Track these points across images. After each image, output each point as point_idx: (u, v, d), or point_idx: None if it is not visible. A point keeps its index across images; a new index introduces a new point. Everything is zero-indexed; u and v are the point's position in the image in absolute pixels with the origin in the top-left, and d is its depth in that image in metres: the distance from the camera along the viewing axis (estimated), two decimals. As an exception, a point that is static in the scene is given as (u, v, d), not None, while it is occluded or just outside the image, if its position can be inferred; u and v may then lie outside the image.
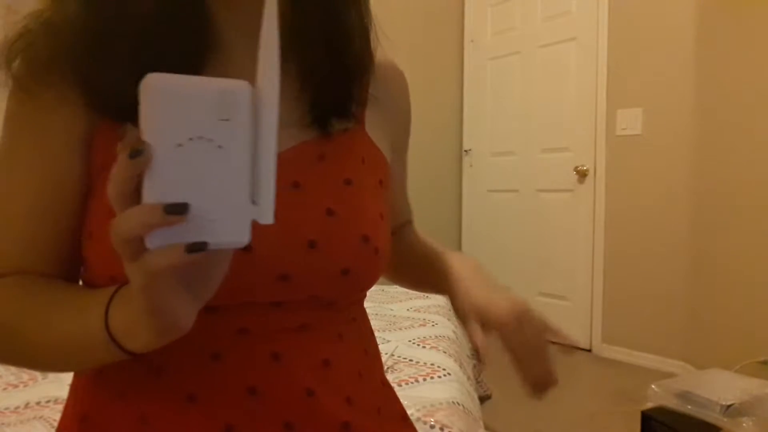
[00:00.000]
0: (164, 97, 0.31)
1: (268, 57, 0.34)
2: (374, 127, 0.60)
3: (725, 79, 2.80)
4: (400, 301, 2.07)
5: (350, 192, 0.53)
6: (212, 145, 0.31)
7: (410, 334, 1.63)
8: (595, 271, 3.42)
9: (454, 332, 1.71)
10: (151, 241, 0.31)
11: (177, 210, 0.31)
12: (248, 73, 0.52)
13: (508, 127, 3.87)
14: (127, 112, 0.46)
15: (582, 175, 3.46)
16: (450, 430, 1.04)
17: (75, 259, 0.51)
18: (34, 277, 0.49)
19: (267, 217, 0.33)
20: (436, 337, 1.60)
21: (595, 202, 3.41)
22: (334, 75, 0.54)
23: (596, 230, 3.41)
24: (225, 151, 0.31)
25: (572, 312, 3.53)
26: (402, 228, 0.74)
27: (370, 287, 0.57)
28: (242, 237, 0.33)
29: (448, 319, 1.81)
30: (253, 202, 0.33)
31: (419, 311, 1.90)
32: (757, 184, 2.66)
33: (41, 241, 0.50)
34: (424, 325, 1.72)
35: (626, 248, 3.27)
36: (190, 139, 0.31)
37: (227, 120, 0.31)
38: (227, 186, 0.32)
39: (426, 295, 2.15)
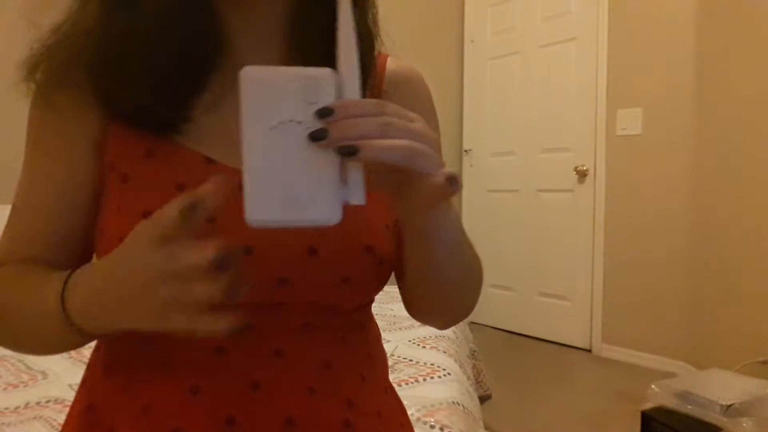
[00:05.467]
0: (257, 85, 0.34)
1: (345, 43, 0.36)
2: None
3: (725, 79, 2.80)
4: (400, 301, 2.06)
5: None
6: (302, 127, 0.34)
7: (410, 334, 1.63)
8: (595, 271, 3.42)
9: (454, 332, 1.71)
10: (253, 216, 0.34)
11: (326, 113, 0.34)
12: None
13: (508, 127, 3.86)
14: (140, 116, 0.49)
15: (582, 175, 3.46)
16: (450, 430, 1.04)
17: (86, 253, 0.54)
18: (31, 263, 0.52)
19: (358, 197, 0.35)
20: (436, 337, 1.60)
21: (595, 202, 3.41)
22: None
23: (596, 230, 3.41)
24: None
25: (572, 312, 3.53)
26: None
27: (375, 295, 0.57)
28: (333, 215, 0.34)
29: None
30: (343, 183, 0.35)
31: (419, 311, 1.90)
32: (756, 184, 2.67)
33: (50, 235, 0.53)
34: (424, 325, 1.72)
35: (626, 248, 3.27)
36: (282, 122, 0.34)
37: (315, 104, 0.34)
38: (317, 166, 0.34)
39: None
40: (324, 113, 0.34)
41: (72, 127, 0.51)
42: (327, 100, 0.34)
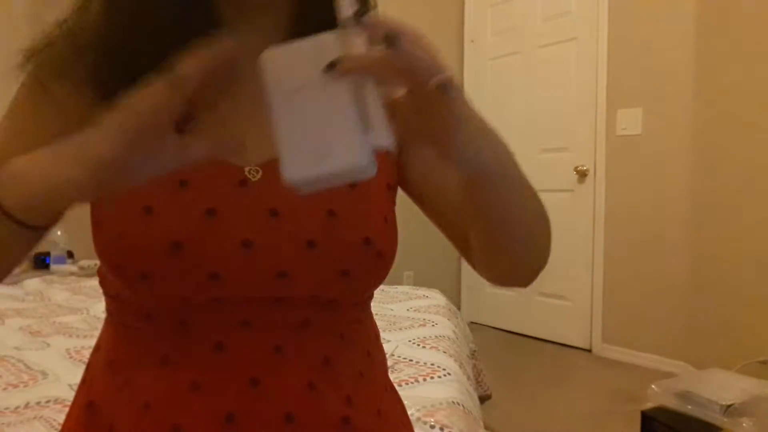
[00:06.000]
0: (274, 61, 0.37)
1: (346, 4, 0.38)
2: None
3: (725, 79, 2.80)
4: (400, 301, 2.07)
5: (353, 194, 0.53)
6: (318, 89, 0.36)
7: (410, 334, 1.63)
8: (595, 271, 3.42)
9: (454, 332, 1.71)
10: (291, 177, 0.35)
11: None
12: (253, 72, 0.54)
13: (508, 127, 3.86)
14: None
15: (582, 175, 3.46)
16: (450, 430, 1.04)
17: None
18: None
19: (385, 139, 0.36)
20: (436, 337, 1.60)
21: (595, 202, 3.41)
22: None
23: (596, 230, 3.41)
24: (330, 92, 0.36)
25: (572, 312, 3.53)
26: None
27: (374, 289, 0.57)
28: (363, 158, 0.35)
29: (448, 319, 1.81)
30: (369, 131, 0.36)
31: (419, 311, 1.90)
32: (756, 184, 2.67)
33: None
34: (424, 325, 1.72)
35: (626, 248, 3.27)
36: (300, 87, 0.36)
37: (324, 65, 0.36)
38: (341, 121, 0.36)
39: (426, 294, 2.15)
40: (330, 66, 0.35)
41: (68, 116, 0.51)
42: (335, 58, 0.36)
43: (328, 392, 0.52)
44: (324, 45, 0.37)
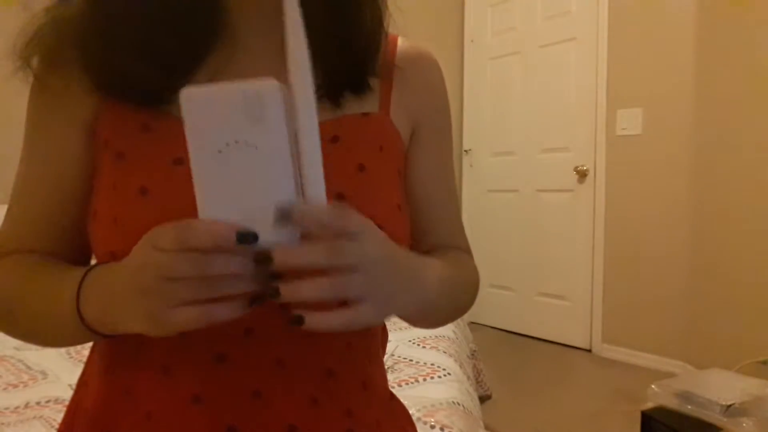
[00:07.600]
0: (198, 108, 0.32)
1: (295, 49, 0.33)
2: (401, 115, 0.58)
3: (725, 79, 2.80)
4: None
5: (363, 179, 0.51)
6: (249, 146, 0.32)
7: (410, 334, 1.63)
8: (595, 271, 3.41)
9: (453, 332, 1.71)
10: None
11: (246, 239, 0.32)
12: (255, 55, 0.54)
13: (508, 127, 3.86)
14: (133, 92, 0.49)
15: (582, 175, 3.46)
16: (450, 430, 1.04)
17: (81, 239, 0.54)
18: (31, 254, 0.52)
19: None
20: (436, 337, 1.60)
21: (595, 202, 3.41)
22: (345, 49, 0.53)
23: (596, 230, 3.41)
24: (262, 151, 0.32)
25: (572, 312, 3.53)
26: (440, 252, 0.62)
27: None
28: (290, 236, 0.33)
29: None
30: (303, 196, 0.33)
31: (419, 311, 1.90)
32: (756, 184, 2.66)
33: (47, 222, 0.52)
34: (424, 325, 1.72)
35: (626, 248, 3.27)
36: (228, 144, 0.32)
37: (259, 120, 0.32)
38: (271, 184, 0.32)
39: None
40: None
41: (65, 108, 0.51)
42: (272, 114, 0.32)
43: (330, 406, 0.51)
44: (259, 97, 0.32)
